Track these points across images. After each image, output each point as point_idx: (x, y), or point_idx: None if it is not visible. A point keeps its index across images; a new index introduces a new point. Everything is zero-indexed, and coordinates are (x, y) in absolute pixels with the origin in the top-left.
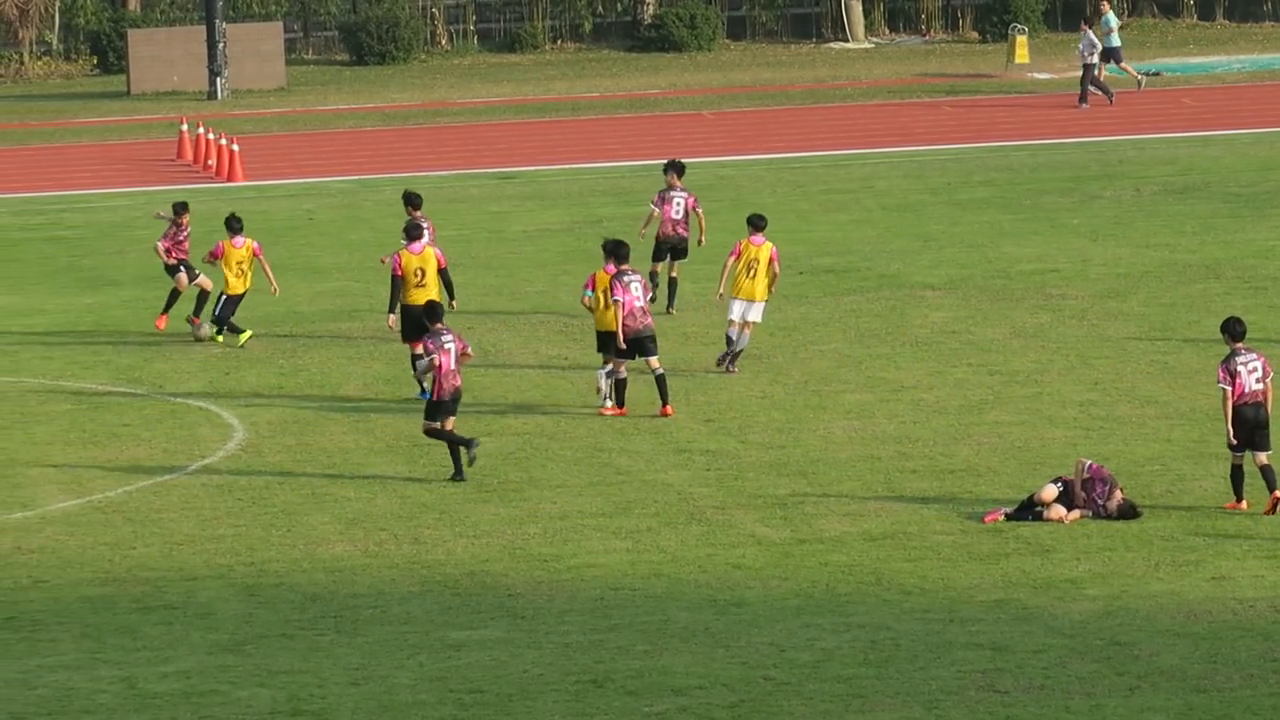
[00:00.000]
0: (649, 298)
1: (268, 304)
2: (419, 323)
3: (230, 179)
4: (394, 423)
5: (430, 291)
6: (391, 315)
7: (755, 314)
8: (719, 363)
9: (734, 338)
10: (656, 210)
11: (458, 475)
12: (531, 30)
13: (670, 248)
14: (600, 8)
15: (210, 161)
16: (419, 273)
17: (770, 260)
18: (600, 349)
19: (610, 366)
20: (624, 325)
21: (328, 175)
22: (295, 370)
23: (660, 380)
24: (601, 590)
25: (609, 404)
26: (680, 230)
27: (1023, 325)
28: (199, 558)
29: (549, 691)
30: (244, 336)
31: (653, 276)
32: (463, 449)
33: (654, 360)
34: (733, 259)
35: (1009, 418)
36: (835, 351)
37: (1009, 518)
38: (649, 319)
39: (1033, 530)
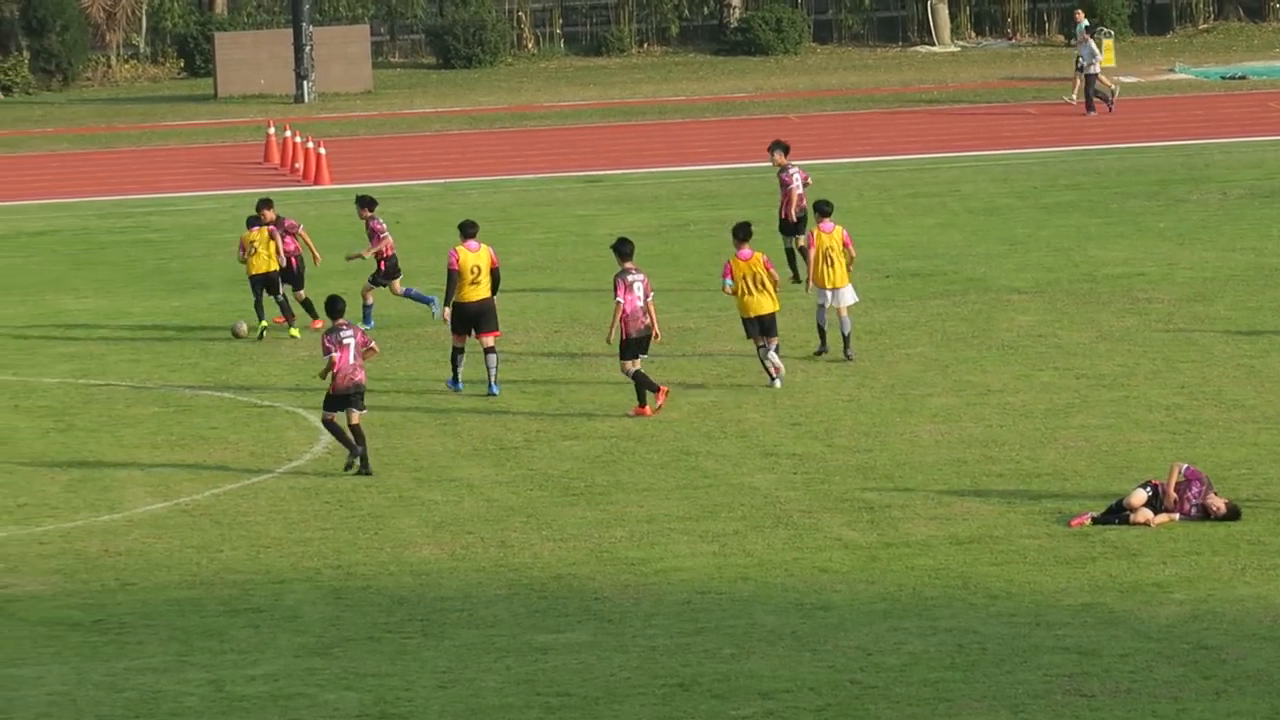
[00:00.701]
0: (650, 299)
1: (354, 307)
2: (470, 318)
3: (317, 182)
4: (481, 426)
5: (484, 289)
6: (447, 309)
7: (847, 298)
8: (818, 354)
9: (825, 326)
10: (798, 190)
11: (353, 464)
12: (618, 33)
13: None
14: (687, 11)
15: (297, 165)
16: (475, 270)
17: (844, 245)
18: (747, 334)
19: (762, 346)
20: (624, 325)
21: (414, 178)
22: (382, 373)
23: (641, 378)
24: (688, 594)
25: (778, 383)
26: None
27: (1109, 329)
28: (286, 560)
29: (635, 695)
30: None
31: (790, 254)
32: (351, 452)
33: (638, 362)
34: (811, 250)
35: (1095, 421)
36: (921, 355)
37: (1096, 521)
38: (648, 319)
39: (1119, 534)
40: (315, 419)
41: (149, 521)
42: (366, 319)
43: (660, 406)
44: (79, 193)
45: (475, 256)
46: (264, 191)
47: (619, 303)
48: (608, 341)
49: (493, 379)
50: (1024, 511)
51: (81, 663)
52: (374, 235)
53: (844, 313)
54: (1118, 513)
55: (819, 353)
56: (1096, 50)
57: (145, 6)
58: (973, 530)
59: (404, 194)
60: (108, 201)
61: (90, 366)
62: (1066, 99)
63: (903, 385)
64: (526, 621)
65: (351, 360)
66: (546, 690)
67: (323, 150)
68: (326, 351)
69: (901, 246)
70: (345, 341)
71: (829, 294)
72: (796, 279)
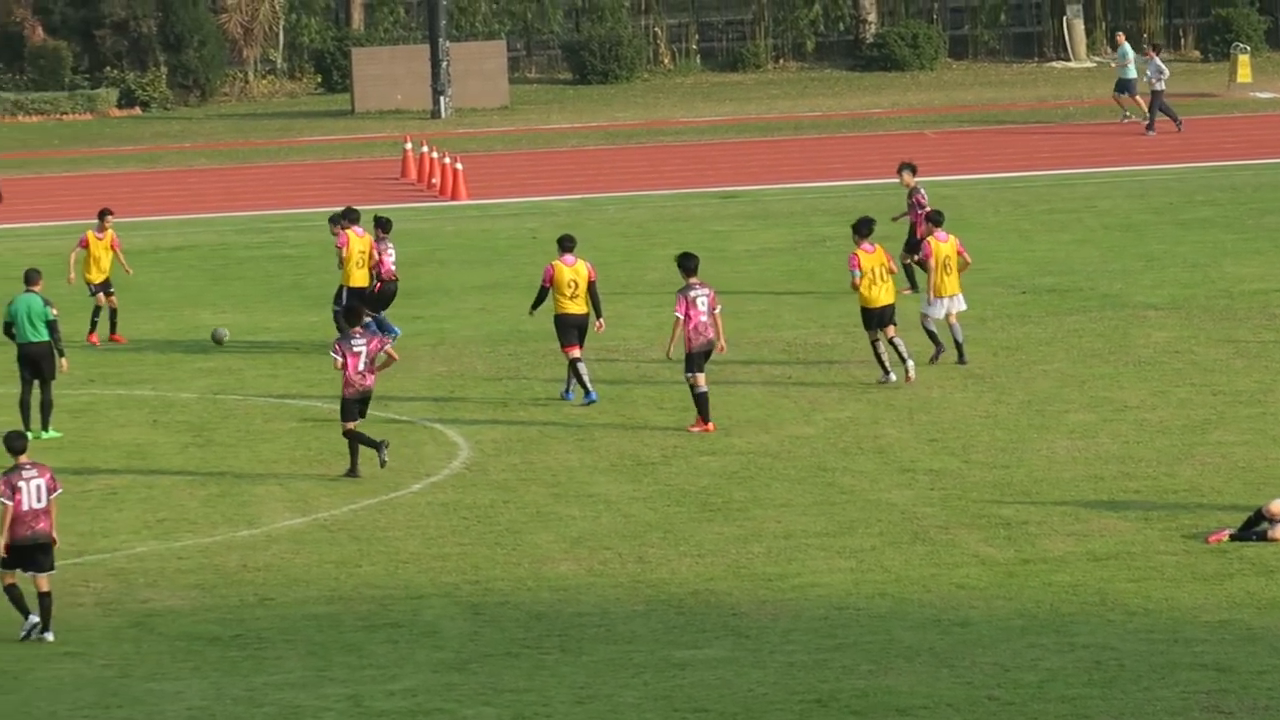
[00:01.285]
0: (717, 312)
1: (492, 323)
2: (578, 329)
3: (454, 198)
4: (618, 441)
5: (582, 304)
6: (532, 312)
7: (959, 305)
8: (933, 361)
9: (936, 333)
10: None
11: (352, 473)
12: (754, 49)
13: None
14: (823, 27)
15: (434, 180)
16: (572, 284)
17: (959, 253)
18: (866, 327)
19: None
20: (688, 339)
21: (551, 194)
22: (520, 389)
23: (703, 399)
24: (826, 609)
25: (892, 377)
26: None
27: (1246, 345)
28: (424, 576)
29: (773, 711)
30: None
31: (907, 269)
32: (376, 450)
33: (701, 376)
34: (930, 260)
35: (1233, 438)
36: (1058, 371)
37: (1233, 538)
38: (711, 333)
39: (1257, 551)
40: (454, 434)
41: (287, 536)
42: (389, 328)
43: (700, 431)
44: (216, 208)
45: (572, 271)
46: (401, 208)
47: (679, 318)
48: (667, 356)
49: (571, 386)
50: (1161, 528)
51: (220, 678)
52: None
53: (954, 319)
54: (1255, 524)
55: (936, 357)
56: (1163, 67)
57: (283, 22)
58: (1110, 546)
59: (540, 209)
60: (245, 217)
61: (228, 381)
62: (1128, 118)
63: (1039, 401)
64: (664, 637)
65: (360, 367)
66: (684, 706)
67: (459, 166)
68: (339, 354)
69: (1038, 262)
70: (356, 349)
71: (944, 303)
72: (914, 288)
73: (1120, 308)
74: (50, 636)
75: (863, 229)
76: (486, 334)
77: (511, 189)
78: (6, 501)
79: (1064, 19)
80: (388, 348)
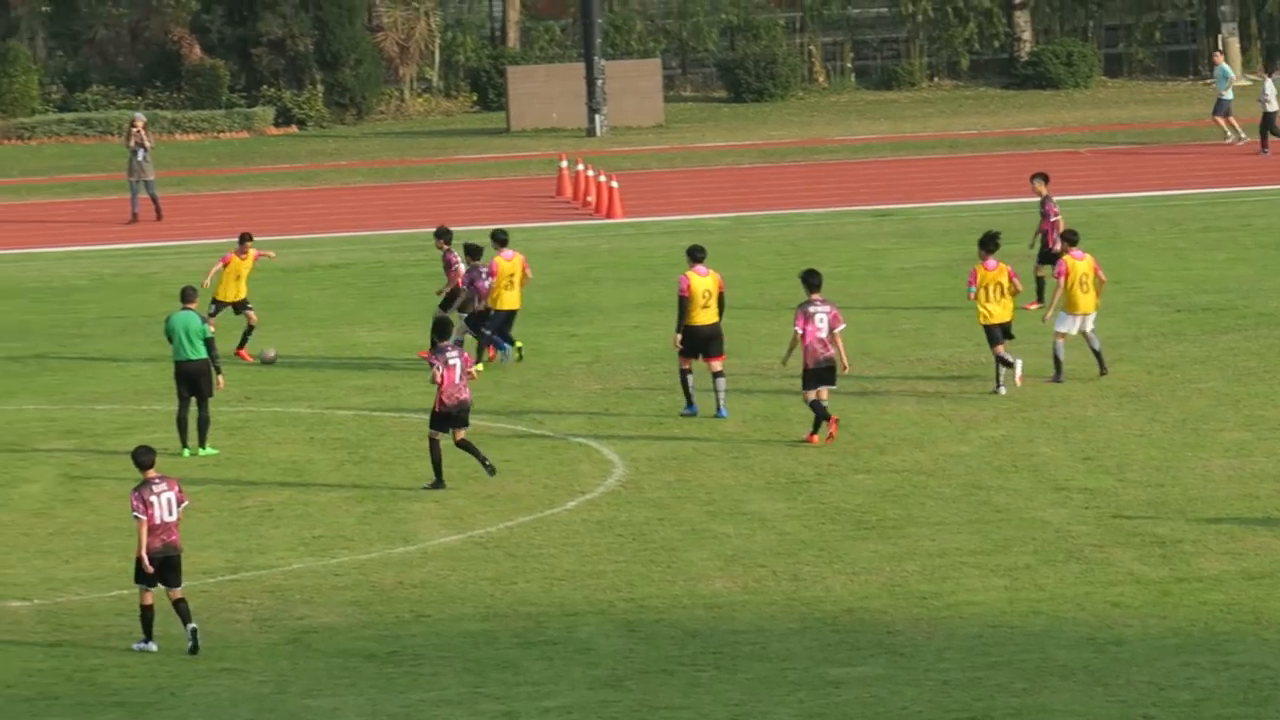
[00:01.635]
0: (839, 331)
1: (647, 340)
2: (700, 342)
3: (609, 216)
4: (773, 459)
5: (712, 314)
6: (678, 334)
7: (1091, 323)
8: (1052, 380)
9: (1061, 359)
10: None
11: (438, 484)
12: (908, 67)
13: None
14: (977, 45)
15: (589, 198)
16: (706, 294)
17: (1095, 271)
18: (991, 342)
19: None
20: (805, 355)
21: (706, 212)
22: (675, 406)
23: (823, 410)
24: (980, 628)
25: (1003, 390)
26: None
27: None
28: (579, 593)
29: None
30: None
31: (1041, 282)
32: (481, 462)
33: (825, 391)
34: (1064, 279)
35: None
36: (1213, 390)
37: None
38: (829, 350)
39: None
40: (609, 452)
41: (443, 553)
42: (497, 344)
43: (832, 435)
44: (372, 226)
45: (705, 281)
46: (556, 226)
47: (797, 332)
48: (783, 364)
49: (722, 402)
50: None
51: (377, 694)
52: (448, 267)
53: (1090, 330)
54: None
55: (1054, 379)
56: (1275, 89)
57: (439, 40)
58: (1265, 565)
59: (695, 227)
60: (401, 235)
61: (384, 399)
62: (1235, 139)
63: (1194, 420)
64: (819, 655)
65: (457, 379)
66: None
67: (614, 184)
68: (433, 367)
69: (1193, 281)
70: (451, 362)
71: (1078, 320)
72: (1041, 301)
73: (1275, 326)
74: (153, 647)
75: (988, 245)
76: (641, 351)
77: (666, 207)
78: (140, 516)
79: (1219, 37)
80: (471, 369)
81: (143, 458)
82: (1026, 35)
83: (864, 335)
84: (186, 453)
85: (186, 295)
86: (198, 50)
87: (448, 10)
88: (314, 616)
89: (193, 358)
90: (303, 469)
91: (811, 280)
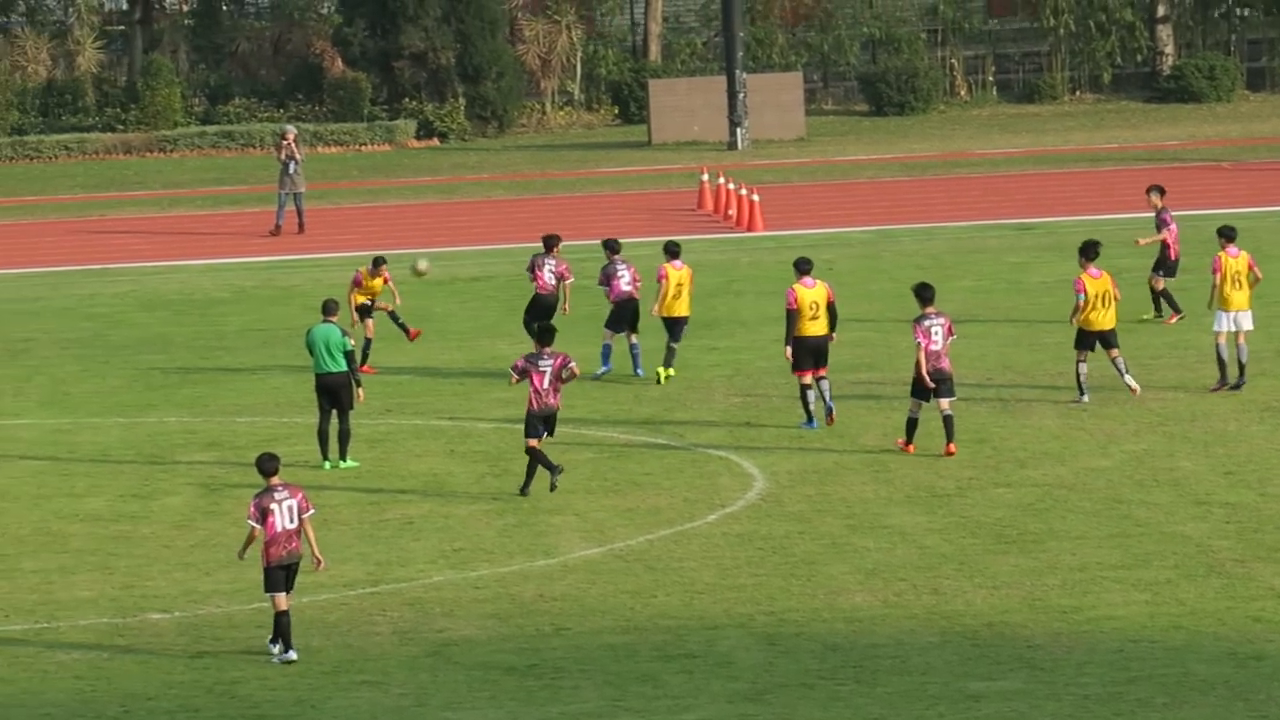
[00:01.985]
0: (949, 342)
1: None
2: (812, 352)
3: (750, 229)
4: (913, 473)
5: (821, 325)
6: (788, 348)
7: (1247, 323)
8: (1217, 389)
9: (1225, 359)
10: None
11: (524, 490)
12: (1050, 81)
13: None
14: (1119, 58)
15: (730, 211)
16: (814, 305)
17: (1250, 267)
18: (1078, 346)
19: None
20: (924, 365)
21: (847, 225)
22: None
23: (948, 421)
24: (1120, 642)
25: (1085, 398)
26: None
27: None
28: (719, 606)
29: None
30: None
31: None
32: (550, 473)
33: (945, 402)
34: (1216, 275)
35: None
36: None
37: None
38: (943, 362)
39: None
40: (749, 465)
41: (583, 566)
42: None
43: (950, 451)
44: (513, 239)
45: (812, 293)
46: (697, 239)
47: (919, 344)
48: (924, 382)
49: (829, 399)
50: None
51: (517, 707)
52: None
53: (1242, 339)
54: None
55: (1218, 388)
56: None
57: (580, 54)
58: None
59: (837, 241)
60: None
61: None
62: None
63: None
64: (959, 669)
65: (545, 385)
66: None
67: (756, 197)
68: (523, 373)
69: None
70: (542, 368)
71: (1231, 316)
72: (1159, 314)
73: None
74: (293, 655)
75: (1089, 252)
76: (782, 365)
77: (808, 220)
78: (254, 525)
79: None
80: (572, 364)
81: (266, 465)
82: (1169, 49)
83: (1005, 349)
84: (328, 465)
85: (328, 308)
86: (339, 63)
87: (590, 23)
88: (454, 629)
89: (333, 370)
90: (443, 481)
91: (924, 294)
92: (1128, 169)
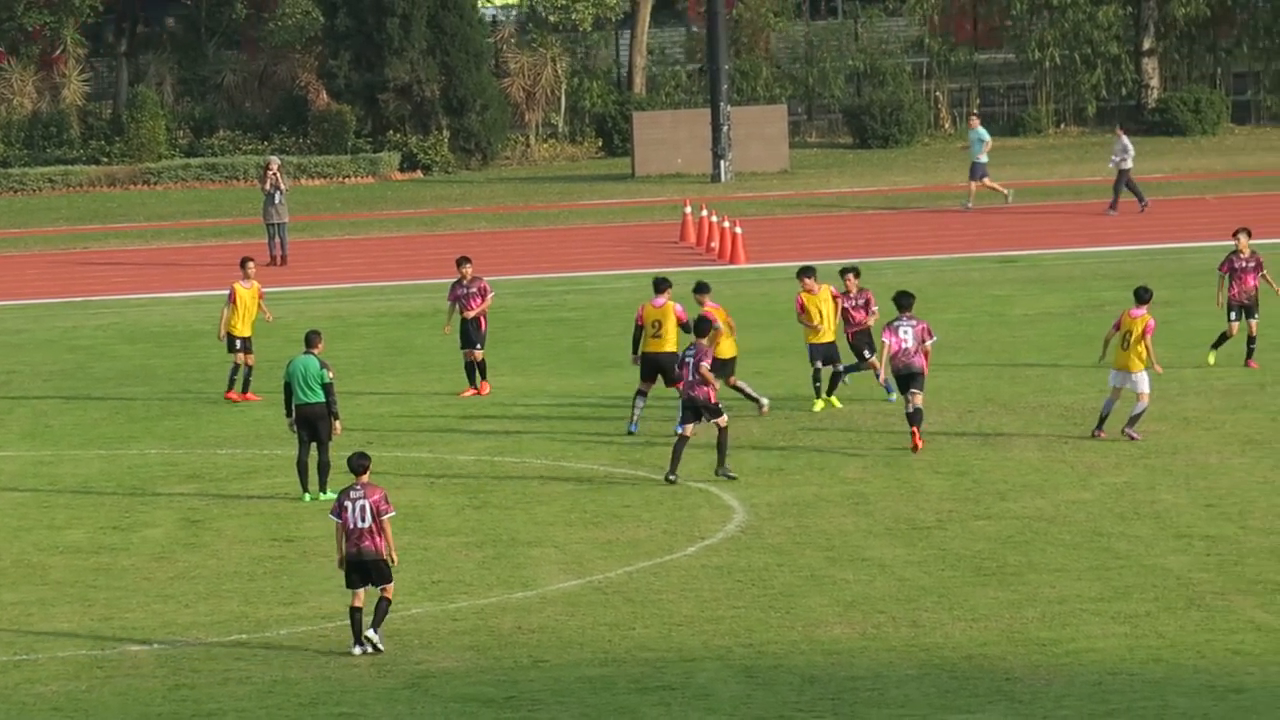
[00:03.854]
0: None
1: (768, 386)
2: (653, 366)
3: (733, 261)
4: (893, 505)
5: (664, 344)
6: (634, 355)
7: (1140, 384)
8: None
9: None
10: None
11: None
12: (1035, 114)
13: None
14: (1104, 91)
15: (713, 244)
16: (655, 324)
17: (1145, 332)
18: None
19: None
20: (893, 363)
21: (830, 258)
22: (795, 452)
23: (916, 414)
24: (1099, 674)
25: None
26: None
27: None
28: (698, 639)
29: None
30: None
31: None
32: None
33: (916, 395)
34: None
35: None
36: None
37: None
38: (911, 359)
39: None
40: (729, 497)
41: (562, 599)
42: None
43: (915, 446)
44: (496, 271)
45: (658, 312)
46: (680, 271)
47: (885, 343)
48: (878, 377)
49: (635, 418)
50: None
51: None
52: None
53: (1142, 399)
54: None
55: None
56: (1128, 145)
57: (565, 86)
58: None
59: (820, 274)
60: (524, 280)
61: (505, 444)
62: (969, 206)
63: None
64: (938, 701)
65: (691, 377)
66: None
67: (739, 230)
68: (686, 366)
69: None
70: (687, 360)
71: (1119, 376)
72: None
73: None
74: (374, 635)
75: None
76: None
77: (791, 253)
78: (334, 518)
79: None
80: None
81: (353, 462)
82: (1154, 82)
83: (987, 381)
84: (308, 497)
85: (309, 340)
86: (324, 96)
87: (575, 56)
88: (432, 661)
89: (310, 401)
90: (423, 514)
91: (903, 301)
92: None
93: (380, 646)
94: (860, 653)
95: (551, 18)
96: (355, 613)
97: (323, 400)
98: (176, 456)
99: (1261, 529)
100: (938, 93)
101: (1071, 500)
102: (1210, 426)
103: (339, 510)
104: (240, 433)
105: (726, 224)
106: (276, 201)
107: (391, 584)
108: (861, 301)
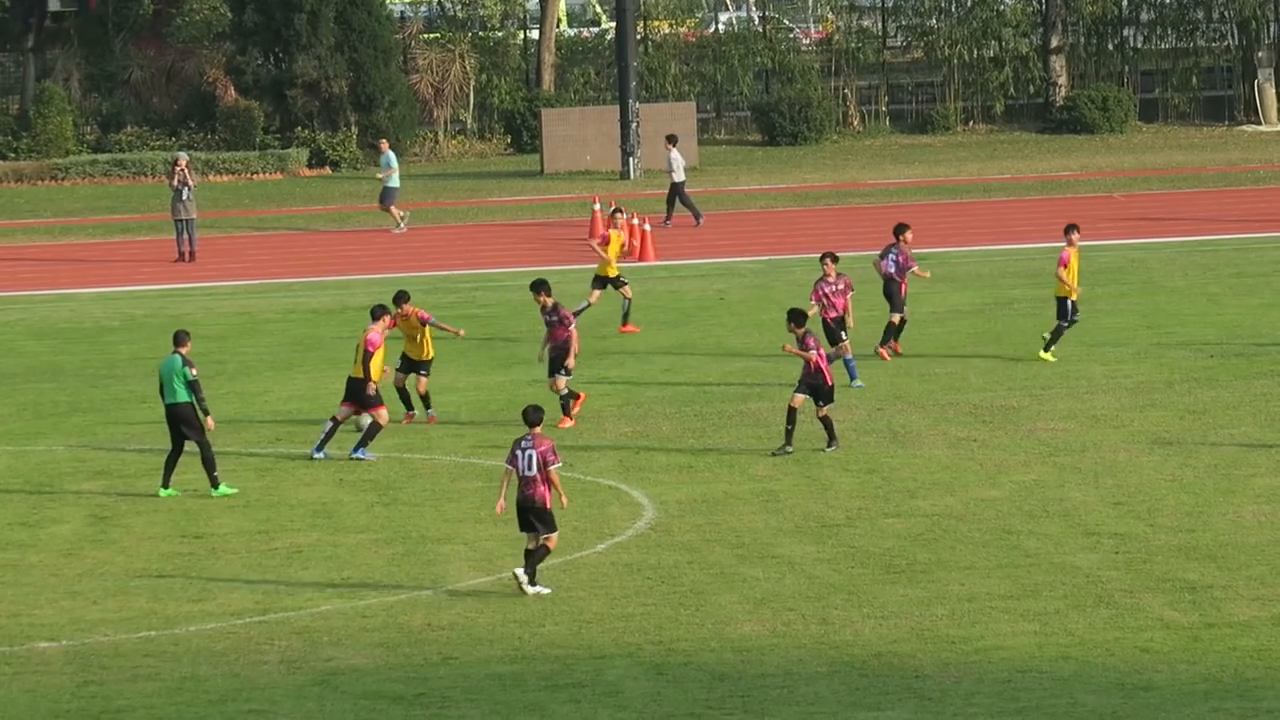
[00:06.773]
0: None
1: (678, 384)
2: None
3: (642, 259)
4: (803, 503)
5: (359, 369)
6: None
7: None
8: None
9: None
10: None
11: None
12: (943, 111)
13: None
14: (1012, 89)
15: (634, 242)
16: (358, 348)
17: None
18: None
19: None
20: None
21: (739, 255)
22: (705, 450)
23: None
24: (1009, 672)
25: None
26: None
27: None
28: (608, 636)
29: None
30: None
31: None
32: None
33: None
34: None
35: None
36: (1245, 435)
37: None
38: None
39: None
40: (639, 495)
41: (472, 595)
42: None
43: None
44: (405, 268)
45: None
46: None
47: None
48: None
49: (323, 443)
50: None
51: None
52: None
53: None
54: None
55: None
56: (680, 159)
57: (473, 83)
58: None
59: (728, 271)
60: (434, 276)
61: (414, 441)
62: (400, 229)
63: (1226, 465)
64: (847, 699)
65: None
66: None
67: (648, 227)
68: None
69: (1226, 326)
70: (810, 348)
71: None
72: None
73: None
74: (532, 589)
75: (789, 315)
76: (672, 395)
77: (699, 250)
78: (506, 465)
79: (1255, 83)
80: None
81: (528, 415)
82: (1062, 80)
83: (896, 379)
84: (164, 493)
85: (177, 339)
86: (232, 92)
87: (483, 53)
88: (341, 658)
89: (177, 401)
90: (332, 511)
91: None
92: (1020, 200)
93: (542, 591)
94: (770, 650)
95: (459, 13)
96: (529, 555)
97: (189, 400)
98: (84, 453)
99: (1170, 527)
100: (846, 90)
101: (980, 498)
102: (1119, 424)
103: (512, 458)
104: (149, 430)
105: (635, 221)
106: (185, 198)
107: (555, 533)
108: (840, 286)
